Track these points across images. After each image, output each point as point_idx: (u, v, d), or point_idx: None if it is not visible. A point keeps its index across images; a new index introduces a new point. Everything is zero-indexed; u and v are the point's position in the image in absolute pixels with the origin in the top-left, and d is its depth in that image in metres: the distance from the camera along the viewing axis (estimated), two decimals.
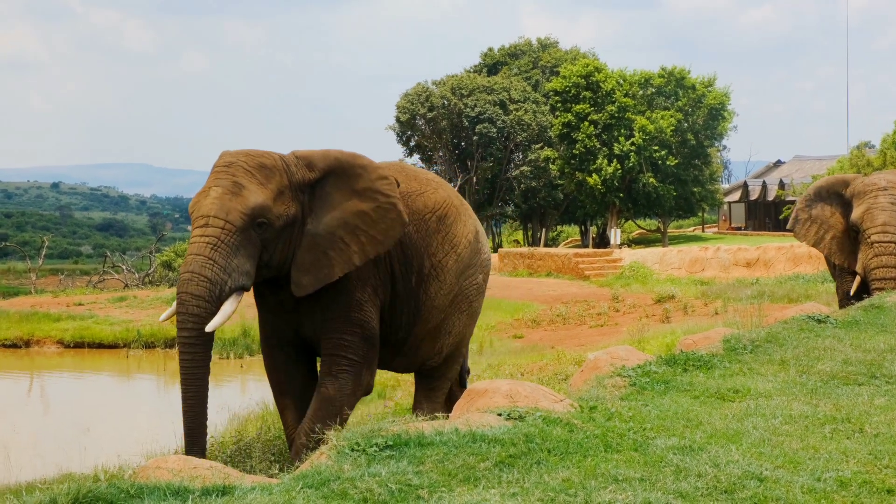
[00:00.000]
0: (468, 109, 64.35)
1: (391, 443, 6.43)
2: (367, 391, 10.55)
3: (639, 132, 56.90)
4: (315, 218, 9.93)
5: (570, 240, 75.69)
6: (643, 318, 26.46)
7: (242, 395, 21.02)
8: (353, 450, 6.33)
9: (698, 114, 58.56)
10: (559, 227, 79.27)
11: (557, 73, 63.95)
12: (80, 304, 36.58)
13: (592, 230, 69.11)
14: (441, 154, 67.40)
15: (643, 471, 6.25)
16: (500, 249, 54.74)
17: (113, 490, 5.65)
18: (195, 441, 9.19)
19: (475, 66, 74.11)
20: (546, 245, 66.22)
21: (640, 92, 60.23)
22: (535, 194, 66.83)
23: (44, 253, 58.77)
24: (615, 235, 58.48)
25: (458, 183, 66.01)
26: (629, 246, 57.79)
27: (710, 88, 58.93)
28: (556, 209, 68.61)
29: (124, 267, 52.67)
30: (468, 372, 13.30)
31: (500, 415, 7.29)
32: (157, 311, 31.79)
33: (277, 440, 11.46)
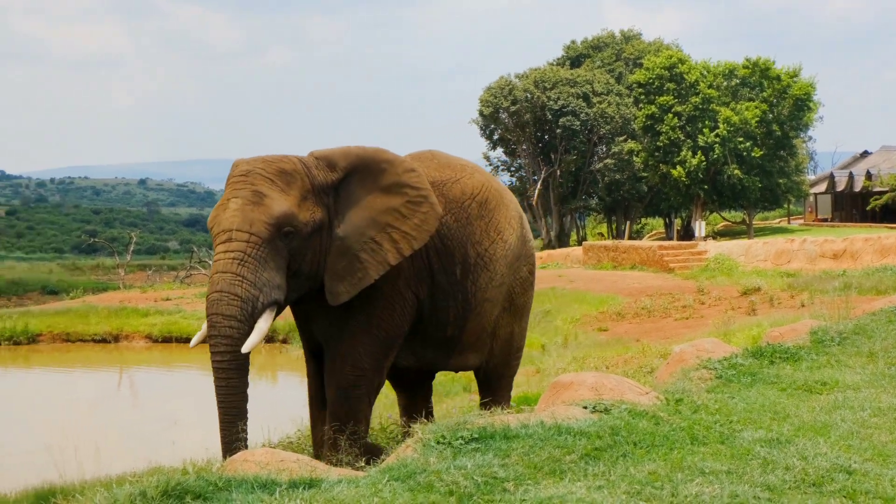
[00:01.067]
0: (551, 102, 64.21)
1: (477, 436, 6.46)
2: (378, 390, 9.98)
3: (723, 123, 56.48)
4: (342, 220, 9.34)
5: (654, 232, 75.33)
6: (729, 311, 26.25)
7: None
8: (438, 442, 6.36)
9: (783, 104, 57.98)
10: (643, 220, 78.94)
11: (641, 65, 63.69)
12: (167, 300, 36.97)
13: (677, 222, 68.74)
14: (524, 147, 67.31)
15: (730, 463, 6.24)
16: (584, 242, 54.61)
17: (201, 483, 5.73)
18: None
19: (558, 59, 73.97)
20: (630, 238, 65.86)
21: (725, 83, 59.79)
22: (618, 187, 66.61)
23: (132, 249, 59.66)
24: (700, 228, 58.02)
25: (542, 176, 65.98)
26: (714, 238, 57.31)
27: (795, 79, 58.30)
28: (640, 202, 68.33)
29: (211, 262, 53.17)
30: None
31: (585, 407, 7.31)
32: None
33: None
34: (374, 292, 9.39)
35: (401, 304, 9.66)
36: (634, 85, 61.74)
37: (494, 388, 11.31)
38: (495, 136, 69.06)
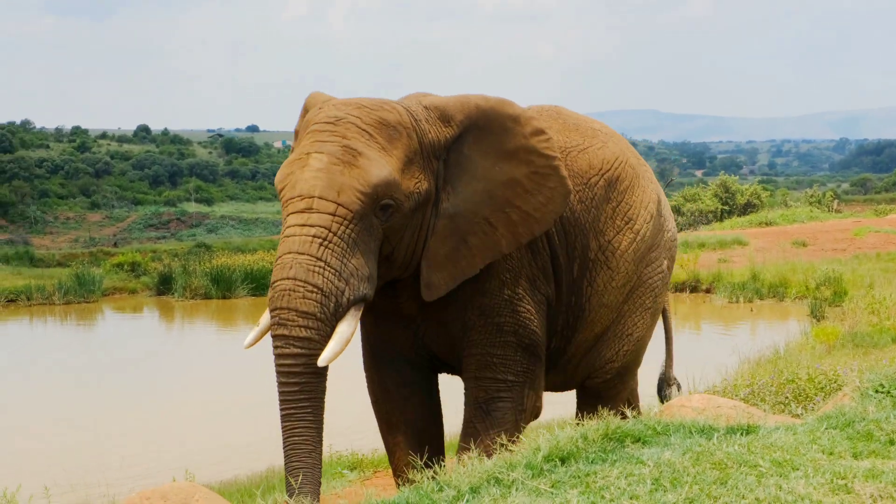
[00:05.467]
0: None
1: None
2: (535, 415, 7.81)
3: None
4: (452, 192, 7.08)
5: None
6: None
7: (752, 338, 21.05)
8: (877, 391, 6.33)
9: None
10: None
11: None
12: None
13: None
14: None
15: None
16: None
17: (640, 427, 5.91)
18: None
19: None
20: None
21: None
22: None
23: None
24: None
25: None
26: None
27: None
28: None
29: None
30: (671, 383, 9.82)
31: None
32: None
33: (790, 384, 11.22)
34: (490, 300, 7.34)
35: (536, 307, 7.55)
36: None
37: (613, 395, 8.83)
38: None
